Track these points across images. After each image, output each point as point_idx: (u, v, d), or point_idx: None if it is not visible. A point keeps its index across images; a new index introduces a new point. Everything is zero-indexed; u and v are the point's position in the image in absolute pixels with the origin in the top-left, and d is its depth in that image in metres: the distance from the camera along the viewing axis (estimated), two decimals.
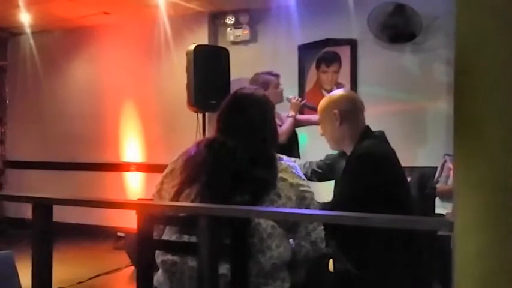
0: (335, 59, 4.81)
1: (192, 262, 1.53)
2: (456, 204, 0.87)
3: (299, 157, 3.67)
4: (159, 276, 1.64)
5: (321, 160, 2.49)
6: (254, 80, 3.69)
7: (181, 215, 1.58)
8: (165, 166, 1.79)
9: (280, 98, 3.70)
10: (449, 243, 0.91)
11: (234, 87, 2.83)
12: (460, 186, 0.86)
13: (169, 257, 1.60)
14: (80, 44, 5.89)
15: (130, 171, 5.63)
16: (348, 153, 2.11)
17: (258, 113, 1.74)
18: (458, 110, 0.87)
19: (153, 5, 4.86)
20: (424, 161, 4.35)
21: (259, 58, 4.92)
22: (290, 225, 1.65)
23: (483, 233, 0.83)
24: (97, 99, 5.77)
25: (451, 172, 3.61)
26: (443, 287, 2.31)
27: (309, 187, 1.71)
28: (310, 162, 2.51)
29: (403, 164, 2.06)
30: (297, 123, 3.66)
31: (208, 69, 4.41)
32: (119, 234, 4.97)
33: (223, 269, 1.46)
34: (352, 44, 4.72)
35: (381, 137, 2.08)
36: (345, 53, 4.77)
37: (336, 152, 2.37)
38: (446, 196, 3.64)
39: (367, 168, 1.92)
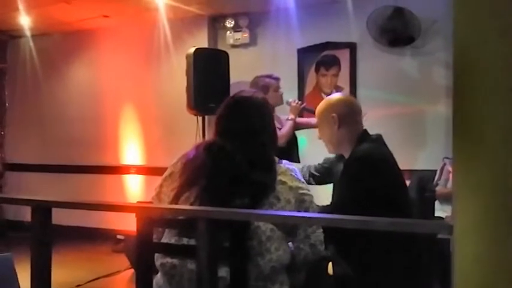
0: (334, 62, 4.81)
1: (191, 265, 1.53)
2: (455, 207, 0.87)
3: (299, 160, 3.68)
4: (158, 279, 1.64)
5: (319, 164, 2.49)
6: (254, 83, 3.70)
7: (181, 218, 1.58)
8: (165, 169, 1.79)
9: (280, 101, 3.71)
10: (448, 246, 0.91)
11: (233, 91, 2.83)
12: (459, 189, 0.86)
13: (169, 259, 1.60)
14: (79, 47, 5.90)
15: (129, 174, 5.63)
16: (346, 156, 2.12)
17: (257, 116, 1.74)
18: (457, 112, 0.87)
19: (153, 8, 4.87)
20: (424, 164, 4.35)
21: (259, 61, 4.92)
22: (289, 228, 1.65)
23: (482, 235, 0.83)
24: (97, 102, 5.78)
25: (451, 175, 3.61)
26: None
27: (308, 190, 1.71)
28: (308, 166, 2.52)
29: (403, 167, 2.07)
30: (297, 126, 3.66)
31: (208, 73, 4.42)
32: (118, 237, 4.96)
33: (223, 272, 1.46)
34: (352, 47, 4.73)
35: (379, 140, 2.08)
36: (344, 56, 4.78)
37: (333, 155, 2.38)
38: (446, 199, 3.64)
39: (365, 171, 1.93)
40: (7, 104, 6.39)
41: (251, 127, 1.71)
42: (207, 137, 4.48)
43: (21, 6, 4.81)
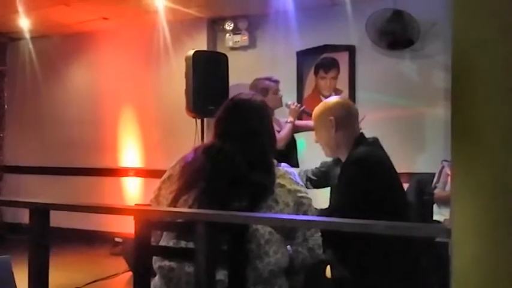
0: (333, 65, 4.82)
1: (189, 268, 1.53)
2: (454, 209, 0.86)
3: (297, 162, 3.68)
4: (156, 282, 1.64)
5: (316, 168, 2.50)
6: (253, 85, 3.70)
7: (179, 220, 1.57)
8: (164, 171, 1.79)
9: (280, 104, 3.71)
10: (447, 249, 0.91)
11: (232, 93, 2.83)
12: (458, 191, 0.86)
13: (167, 262, 1.59)
14: (79, 49, 5.90)
15: (128, 176, 5.62)
16: (343, 159, 2.12)
17: (256, 118, 1.74)
18: (456, 115, 0.87)
19: (152, 11, 4.87)
20: (422, 167, 4.35)
21: (258, 64, 4.93)
22: (288, 232, 1.65)
23: (480, 239, 0.83)
24: (96, 105, 5.77)
25: (449, 178, 3.61)
26: None
27: (306, 193, 1.71)
28: (305, 170, 2.52)
29: (401, 170, 2.07)
30: (296, 129, 3.66)
31: (207, 75, 4.42)
32: (116, 239, 4.95)
33: (221, 275, 1.46)
34: (351, 50, 4.74)
35: (375, 143, 2.08)
36: (343, 59, 4.78)
37: (330, 159, 2.38)
38: (444, 202, 3.64)
39: (362, 174, 1.93)
40: (6, 106, 6.39)
41: (250, 129, 1.71)
42: (206, 139, 4.47)
43: (20, 9, 4.81)
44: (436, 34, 4.36)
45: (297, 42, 4.82)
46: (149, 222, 1.44)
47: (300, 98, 4.80)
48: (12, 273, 2.35)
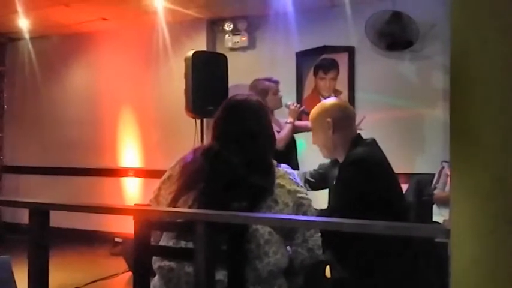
0: (333, 65, 4.83)
1: (188, 268, 1.53)
2: (453, 209, 0.87)
3: (297, 163, 3.68)
4: (155, 282, 1.64)
5: (314, 170, 2.50)
6: (253, 86, 3.70)
7: (179, 221, 1.58)
8: (163, 172, 1.79)
9: (280, 105, 3.72)
10: (446, 250, 0.91)
11: (232, 94, 2.84)
12: (457, 192, 0.86)
13: (166, 262, 1.60)
14: (78, 49, 5.90)
15: (128, 176, 5.62)
16: (341, 160, 2.12)
17: (253, 119, 1.73)
18: (454, 116, 0.87)
19: (152, 12, 4.87)
20: (422, 167, 4.35)
21: (257, 64, 4.93)
22: (287, 232, 1.65)
23: (479, 239, 0.83)
24: (95, 105, 5.78)
25: (449, 179, 3.61)
26: None
27: (306, 194, 1.71)
28: (304, 173, 2.52)
29: (401, 170, 2.07)
30: (295, 129, 3.66)
31: (207, 76, 4.42)
32: (116, 239, 4.96)
33: (220, 275, 1.46)
34: (350, 51, 4.74)
35: (372, 143, 2.09)
36: (342, 60, 4.79)
37: (328, 160, 2.38)
38: (444, 203, 3.64)
39: (359, 175, 1.93)
40: (5, 107, 6.39)
41: (247, 130, 1.70)
42: (205, 140, 4.48)
43: (20, 9, 4.81)
44: (435, 35, 4.37)
45: (296, 43, 4.82)
46: (149, 222, 1.44)
47: (299, 99, 4.81)
48: (13, 273, 2.35)
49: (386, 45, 4.49)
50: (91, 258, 4.82)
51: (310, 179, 2.47)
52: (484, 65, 0.84)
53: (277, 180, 1.65)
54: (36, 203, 1.45)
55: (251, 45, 5.13)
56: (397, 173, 2.09)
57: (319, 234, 1.70)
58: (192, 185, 1.63)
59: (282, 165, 1.76)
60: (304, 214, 1.66)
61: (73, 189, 5.69)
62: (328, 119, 2.11)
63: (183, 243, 1.60)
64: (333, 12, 4.73)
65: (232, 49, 5.14)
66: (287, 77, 4.67)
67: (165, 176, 1.76)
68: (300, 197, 1.67)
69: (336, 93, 4.79)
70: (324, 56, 4.84)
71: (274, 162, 1.73)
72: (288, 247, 1.67)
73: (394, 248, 1.80)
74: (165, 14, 4.94)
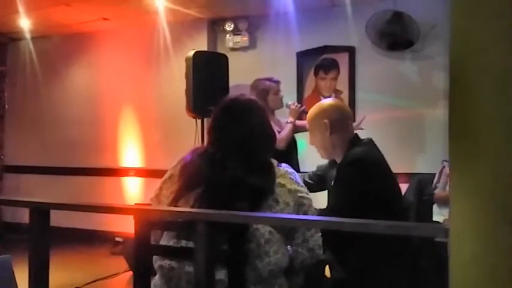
0: (333, 65, 4.83)
1: (189, 267, 1.53)
2: (452, 209, 0.87)
3: (298, 163, 3.68)
4: (156, 281, 1.64)
5: (312, 172, 2.50)
6: (254, 86, 3.70)
7: (179, 220, 1.58)
8: (164, 171, 1.79)
9: (280, 105, 3.72)
10: (446, 249, 0.91)
11: (232, 93, 2.83)
12: (456, 192, 0.86)
13: (167, 261, 1.60)
14: (79, 49, 5.90)
15: (129, 176, 5.63)
16: (338, 161, 2.13)
17: (249, 118, 1.72)
18: (454, 116, 0.87)
19: (153, 12, 4.88)
20: (423, 167, 4.35)
21: (258, 64, 4.93)
22: (288, 232, 1.65)
23: (479, 239, 0.83)
24: (96, 105, 5.78)
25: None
26: None
27: (307, 194, 1.71)
28: (302, 175, 2.52)
29: (402, 170, 2.08)
30: (296, 129, 3.67)
31: (207, 76, 4.42)
32: (116, 239, 4.96)
33: (221, 274, 1.46)
34: (351, 51, 4.74)
35: (370, 143, 2.09)
36: (343, 59, 4.79)
37: (326, 162, 2.39)
38: (445, 202, 3.64)
39: (358, 175, 1.94)
40: (6, 106, 6.40)
41: (243, 130, 1.68)
42: (206, 140, 4.48)
43: (21, 9, 4.81)
44: (436, 35, 4.37)
45: (297, 43, 4.82)
46: (149, 221, 1.44)
47: (300, 99, 4.81)
48: (13, 272, 2.35)
49: (387, 45, 4.49)
50: (91, 258, 4.82)
51: (309, 180, 2.47)
52: (483, 64, 0.84)
53: (278, 180, 1.65)
54: (37, 202, 1.45)
55: (252, 45, 5.13)
56: (398, 173, 2.10)
57: (320, 234, 1.70)
58: (193, 186, 1.63)
59: (283, 164, 1.76)
60: (305, 214, 1.66)
61: (74, 188, 5.70)
62: (326, 120, 2.11)
63: (183, 243, 1.60)
64: (333, 12, 4.73)
65: (233, 49, 5.14)
66: (288, 77, 4.67)
67: (166, 176, 1.76)
68: (301, 197, 1.67)
69: (337, 93, 4.79)
70: (325, 56, 4.84)
71: (275, 161, 1.72)
72: (288, 247, 1.67)
73: (394, 248, 1.80)
74: (166, 14, 4.94)
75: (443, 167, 3.85)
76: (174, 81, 5.02)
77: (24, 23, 5.35)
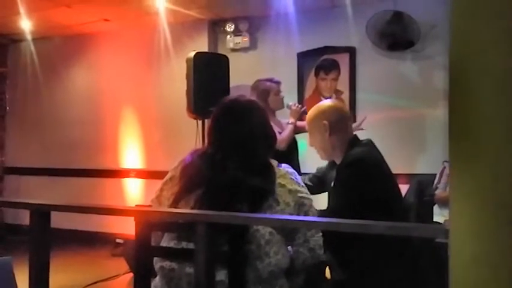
0: (334, 66, 4.83)
1: (189, 269, 1.53)
2: (452, 210, 0.87)
3: (299, 163, 3.68)
4: (156, 283, 1.64)
5: (312, 174, 2.50)
6: (255, 86, 3.70)
7: (180, 221, 1.57)
8: (165, 172, 1.79)
9: (281, 105, 3.72)
10: (446, 250, 0.91)
11: (233, 94, 2.84)
12: (456, 192, 0.86)
13: (167, 263, 1.60)
14: (80, 50, 5.91)
15: (129, 177, 5.63)
16: (338, 162, 2.13)
17: (247, 118, 1.71)
18: (454, 116, 0.87)
19: (153, 12, 4.88)
20: (423, 167, 4.35)
21: (259, 65, 4.94)
22: (288, 232, 1.65)
23: (479, 239, 0.83)
24: (97, 106, 5.79)
25: None
26: None
27: (307, 194, 1.71)
28: (303, 176, 2.52)
29: (402, 171, 2.08)
30: (297, 130, 3.67)
31: (208, 76, 4.42)
32: (117, 240, 4.96)
33: (221, 275, 1.46)
34: (351, 51, 4.75)
35: (369, 144, 2.09)
36: (343, 60, 4.79)
37: (325, 163, 2.39)
38: (445, 203, 3.64)
39: (357, 176, 1.94)
40: (7, 108, 6.40)
41: (242, 131, 1.68)
42: (206, 141, 4.47)
43: (22, 10, 4.82)
44: (436, 35, 4.37)
45: (297, 44, 4.83)
46: (150, 223, 1.44)
47: (300, 99, 4.81)
48: (14, 274, 2.35)
49: (387, 46, 4.49)
50: (92, 260, 4.82)
51: (309, 183, 2.47)
52: (483, 64, 0.84)
53: (278, 180, 1.64)
54: (38, 204, 1.45)
55: (252, 46, 5.14)
56: (398, 174, 2.09)
57: (321, 234, 1.70)
58: (193, 187, 1.63)
59: (283, 165, 1.76)
60: (306, 214, 1.66)
61: (74, 190, 5.70)
62: (325, 122, 2.12)
63: (184, 244, 1.60)
64: (334, 12, 4.73)
65: (233, 50, 5.14)
66: (288, 78, 4.67)
67: (167, 177, 1.76)
68: (301, 197, 1.66)
69: (337, 93, 4.79)
70: (325, 56, 4.85)
71: (275, 162, 1.72)
72: (289, 247, 1.67)
73: (394, 249, 1.80)
74: (166, 15, 4.95)
75: (444, 167, 3.85)
76: (175, 82, 5.03)
77: (25, 25, 5.36)
